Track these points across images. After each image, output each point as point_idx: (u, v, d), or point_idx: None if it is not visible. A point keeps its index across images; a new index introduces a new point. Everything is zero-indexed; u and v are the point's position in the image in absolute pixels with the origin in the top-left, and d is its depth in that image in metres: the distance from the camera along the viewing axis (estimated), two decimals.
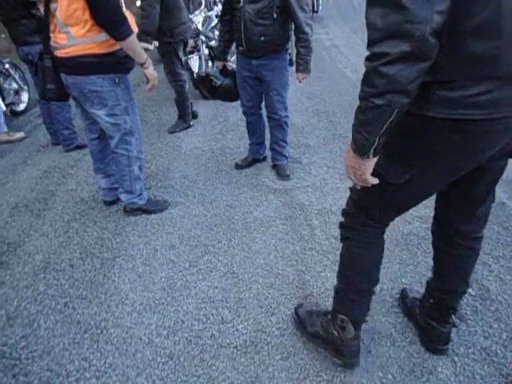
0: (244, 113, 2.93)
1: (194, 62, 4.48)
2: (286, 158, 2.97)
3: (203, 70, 4.49)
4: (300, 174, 2.95)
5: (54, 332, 1.71)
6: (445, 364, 1.48)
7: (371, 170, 1.05)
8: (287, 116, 2.81)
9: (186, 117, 3.90)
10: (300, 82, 2.72)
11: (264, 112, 2.90)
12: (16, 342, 1.68)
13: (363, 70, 0.92)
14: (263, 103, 2.84)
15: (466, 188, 1.22)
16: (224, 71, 2.88)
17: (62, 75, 2.06)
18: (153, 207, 2.53)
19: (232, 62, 2.88)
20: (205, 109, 4.50)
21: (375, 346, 1.57)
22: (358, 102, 0.97)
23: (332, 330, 1.45)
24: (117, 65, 2.05)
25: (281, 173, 2.92)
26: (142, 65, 2.11)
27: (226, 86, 2.85)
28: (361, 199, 1.26)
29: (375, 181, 1.07)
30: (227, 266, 2.06)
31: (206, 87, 2.96)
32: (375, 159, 1.02)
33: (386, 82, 0.86)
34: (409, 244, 2.13)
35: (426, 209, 2.37)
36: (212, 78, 2.82)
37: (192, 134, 3.84)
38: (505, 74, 0.89)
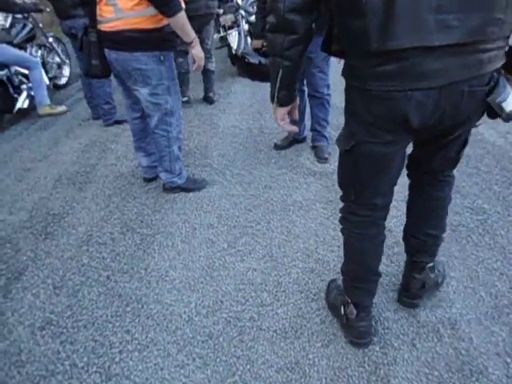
0: None
1: (233, 38, 4.38)
2: (327, 139, 2.87)
3: (242, 46, 4.38)
4: None
5: (98, 304, 1.75)
6: (496, 365, 1.41)
7: (281, 117, 1.29)
8: (329, 94, 2.70)
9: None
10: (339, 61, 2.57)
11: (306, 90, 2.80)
12: (62, 310, 1.73)
13: None
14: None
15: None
16: (261, 50, 2.78)
17: (106, 50, 2.04)
18: (191, 186, 2.52)
19: None
20: (242, 87, 4.42)
21: (420, 340, 1.50)
22: None
23: (340, 306, 1.54)
24: (163, 42, 2.01)
25: (320, 154, 2.83)
26: (189, 44, 2.05)
27: (265, 66, 2.75)
28: (340, 179, 1.35)
29: (282, 124, 1.32)
30: (266, 248, 2.03)
31: (243, 67, 2.88)
32: (282, 109, 1.27)
33: (269, 45, 1.15)
34: (457, 236, 2.01)
35: (478, 199, 2.23)
36: (248, 57, 2.73)
37: (230, 112, 3.78)
38: (379, 49, 0.96)
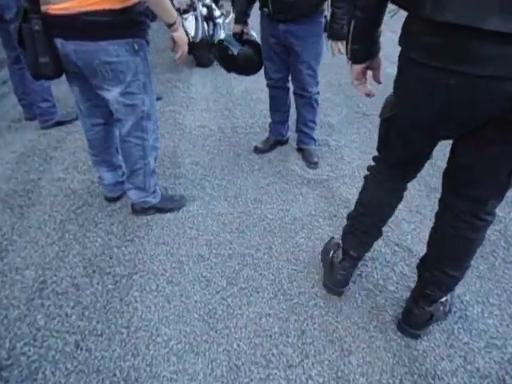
0: (269, 86, 2.48)
1: (190, 24, 3.86)
2: (315, 141, 2.56)
3: (200, 32, 3.89)
4: (332, 161, 2.55)
5: None
6: None
7: (355, 75, 1.26)
8: (318, 93, 2.38)
9: None
10: (333, 54, 2.24)
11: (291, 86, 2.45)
12: None
13: None
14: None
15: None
16: (241, 37, 2.36)
17: (58, 41, 1.51)
18: (168, 205, 2.08)
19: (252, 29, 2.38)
20: (202, 78, 3.95)
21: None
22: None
23: (330, 250, 1.64)
24: (135, 26, 1.54)
25: (309, 159, 2.51)
26: (170, 26, 1.60)
27: (245, 55, 2.34)
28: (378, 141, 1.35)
29: (356, 84, 1.28)
30: (274, 283, 1.68)
31: (219, 56, 2.44)
32: (356, 66, 1.22)
33: None
34: (482, 252, 1.81)
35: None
36: (226, 45, 2.31)
37: (194, 108, 3.32)
38: (431, 17, 0.89)
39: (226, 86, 3.74)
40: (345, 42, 1.23)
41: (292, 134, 2.71)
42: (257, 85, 3.62)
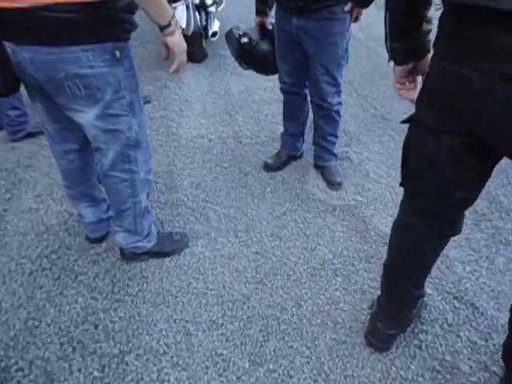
0: (283, 91, 2.08)
1: (181, 13, 3.38)
2: (336, 156, 2.17)
3: (192, 24, 3.41)
4: (356, 179, 2.17)
5: None
6: None
7: (396, 78, 1.04)
8: (340, 103, 1.97)
9: None
10: (356, 19, 1.79)
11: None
12: None
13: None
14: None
15: None
16: (261, 30, 1.96)
17: (9, 46, 1.07)
18: (167, 247, 1.67)
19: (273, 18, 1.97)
20: (195, 76, 3.49)
21: None
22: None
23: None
24: (116, 24, 1.11)
25: (331, 178, 2.12)
26: (163, 28, 1.18)
27: (264, 52, 1.94)
28: None
29: (398, 88, 1.06)
30: (311, 360, 1.30)
31: (237, 50, 2.02)
32: (398, 67, 1.00)
33: None
34: None
35: None
36: (247, 35, 1.89)
37: (189, 113, 2.88)
38: None
39: (224, 85, 3.30)
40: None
41: (307, 146, 2.32)
42: (257, 83, 3.20)
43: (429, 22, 0.93)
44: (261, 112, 2.87)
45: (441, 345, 1.33)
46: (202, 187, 2.12)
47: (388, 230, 1.81)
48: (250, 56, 1.93)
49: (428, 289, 1.51)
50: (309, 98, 2.07)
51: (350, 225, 1.86)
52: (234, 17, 4.56)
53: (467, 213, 1.88)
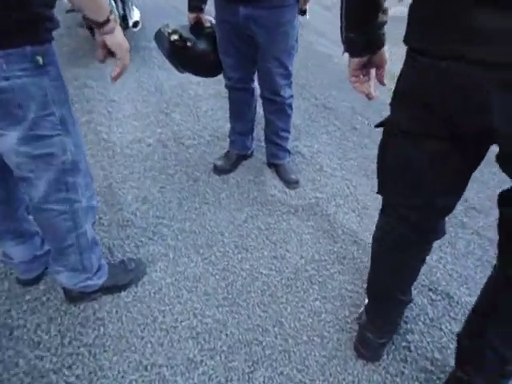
0: (228, 87, 1.91)
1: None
2: (289, 152, 2.07)
3: (119, 11, 3.04)
4: (311, 175, 2.10)
5: None
6: None
7: (351, 71, 0.97)
8: (292, 96, 1.88)
9: None
10: (304, 13, 1.72)
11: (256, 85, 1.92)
12: None
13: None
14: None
15: None
16: (196, 28, 1.74)
17: None
18: (122, 279, 1.44)
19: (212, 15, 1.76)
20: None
21: None
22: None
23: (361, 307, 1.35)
24: (35, 23, 0.87)
25: (287, 177, 2.02)
26: (101, 25, 0.95)
27: (202, 52, 1.74)
28: None
29: (353, 82, 0.99)
30: None
31: (170, 51, 1.78)
32: (354, 59, 0.94)
33: None
34: None
35: None
36: (181, 36, 1.67)
37: (119, 115, 2.57)
38: None
39: (153, 81, 3.02)
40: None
41: (256, 143, 2.19)
42: (190, 77, 2.92)
43: (385, 12, 0.88)
44: (199, 108, 2.68)
45: (428, 342, 1.32)
46: (149, 201, 1.89)
47: (354, 226, 1.79)
48: (185, 57, 1.71)
49: None
50: (257, 93, 1.94)
51: (315, 225, 1.78)
52: (153, 4, 4.22)
53: None
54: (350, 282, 1.52)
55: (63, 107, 1.03)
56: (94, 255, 1.29)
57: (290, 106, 1.89)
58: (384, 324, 1.19)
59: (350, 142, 2.37)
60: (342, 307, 1.43)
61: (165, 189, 1.97)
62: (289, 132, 2.00)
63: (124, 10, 3.22)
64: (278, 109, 1.87)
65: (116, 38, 0.99)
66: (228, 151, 2.13)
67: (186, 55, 1.69)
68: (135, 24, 3.17)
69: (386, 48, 0.94)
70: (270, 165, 2.10)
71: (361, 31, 0.90)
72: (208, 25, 1.72)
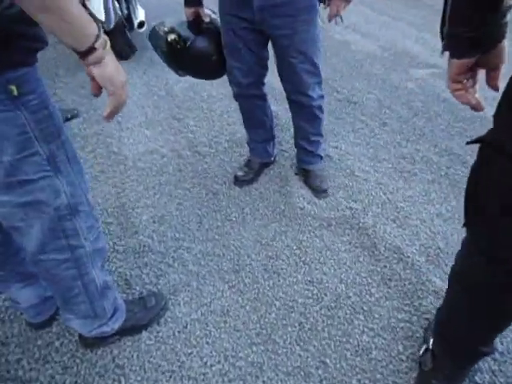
0: (237, 96, 1.69)
1: (97, 3, 2.82)
2: (321, 158, 1.86)
3: (112, 15, 2.87)
4: (343, 181, 1.90)
5: None
6: None
7: (451, 75, 0.73)
8: (322, 97, 1.65)
9: None
10: (330, 19, 1.53)
11: (269, 88, 1.73)
12: None
13: None
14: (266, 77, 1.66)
15: None
16: (196, 24, 1.54)
17: None
18: (142, 319, 1.28)
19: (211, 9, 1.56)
20: (127, 75, 2.98)
21: None
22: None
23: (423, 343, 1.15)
24: (7, 43, 0.70)
25: (314, 184, 1.82)
26: (82, 55, 0.74)
27: (204, 52, 1.54)
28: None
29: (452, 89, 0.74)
30: None
31: (167, 53, 1.59)
32: (458, 62, 0.70)
33: None
34: None
35: None
36: (179, 34, 1.48)
37: (130, 124, 2.41)
38: None
39: (163, 84, 2.85)
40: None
41: (278, 147, 2.00)
42: None
43: None
44: (213, 112, 2.49)
45: (501, 383, 1.12)
46: (166, 221, 1.72)
47: (397, 241, 1.58)
48: (185, 58, 1.52)
49: None
50: (268, 98, 1.73)
51: (352, 241, 1.59)
52: (157, 1, 4.03)
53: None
54: (400, 309, 1.33)
55: (52, 143, 0.85)
56: (106, 301, 1.13)
57: (321, 108, 1.67)
58: (455, 375, 1.00)
59: (380, 140, 2.16)
60: (393, 341, 1.24)
61: (182, 205, 1.80)
62: (321, 135, 1.79)
63: (128, 9, 3.04)
64: (307, 112, 1.65)
65: (106, 69, 0.75)
66: (249, 160, 1.94)
67: (185, 56, 1.50)
68: (141, 24, 3.00)
69: (505, 42, 0.69)
70: (299, 170, 1.91)
71: (477, 23, 0.65)
72: (208, 20, 1.52)
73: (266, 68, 1.61)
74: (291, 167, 1.97)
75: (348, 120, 2.35)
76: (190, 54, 1.52)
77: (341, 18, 1.49)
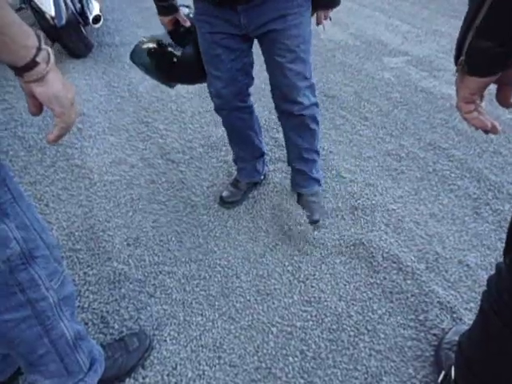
0: (218, 109, 1.48)
1: (45, 0, 2.54)
2: (319, 181, 1.64)
3: (63, 11, 2.58)
4: (330, 184, 1.79)
5: None
6: None
7: (466, 95, 0.63)
8: (316, 104, 1.42)
9: None
10: (318, 24, 1.43)
11: (255, 100, 1.58)
12: None
13: None
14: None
15: None
16: (177, 33, 1.37)
17: None
18: (125, 365, 1.12)
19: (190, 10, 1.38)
20: (85, 76, 2.73)
21: None
22: None
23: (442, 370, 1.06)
24: None
25: (306, 214, 1.58)
26: (20, 71, 0.57)
27: (190, 56, 1.37)
28: None
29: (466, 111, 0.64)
30: None
31: (156, 66, 1.41)
32: (478, 80, 0.60)
33: None
34: None
35: None
36: (169, 48, 1.32)
37: (91, 131, 2.19)
38: None
39: (125, 84, 2.63)
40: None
41: (280, 167, 1.85)
42: None
43: None
44: (184, 113, 2.31)
45: None
46: (142, 242, 1.55)
47: (393, 248, 1.48)
48: (171, 66, 1.34)
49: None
50: (255, 110, 1.57)
51: (347, 251, 1.48)
52: None
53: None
54: (405, 325, 1.24)
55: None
56: (80, 354, 0.97)
57: (314, 118, 1.44)
58: None
59: (363, 137, 2.06)
60: (403, 363, 1.15)
61: (159, 222, 1.63)
62: (316, 153, 1.56)
63: (81, 2, 2.78)
64: (298, 123, 1.43)
65: (51, 87, 0.61)
66: (236, 180, 1.73)
67: (171, 64, 1.33)
68: (96, 19, 2.74)
69: None
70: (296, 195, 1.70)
71: (509, 38, 0.55)
72: (188, 24, 1.34)
73: (250, 76, 1.41)
74: (282, 177, 1.83)
75: (328, 116, 2.24)
76: (176, 61, 1.36)
77: (330, 18, 1.37)
